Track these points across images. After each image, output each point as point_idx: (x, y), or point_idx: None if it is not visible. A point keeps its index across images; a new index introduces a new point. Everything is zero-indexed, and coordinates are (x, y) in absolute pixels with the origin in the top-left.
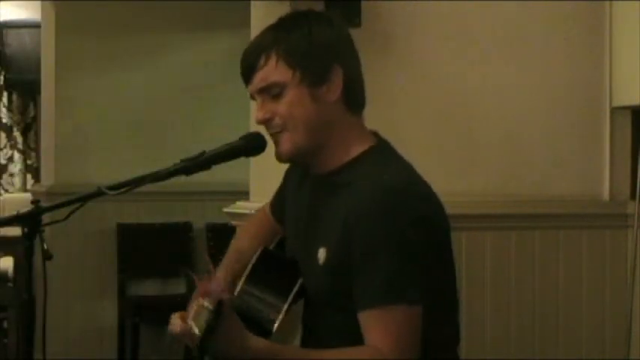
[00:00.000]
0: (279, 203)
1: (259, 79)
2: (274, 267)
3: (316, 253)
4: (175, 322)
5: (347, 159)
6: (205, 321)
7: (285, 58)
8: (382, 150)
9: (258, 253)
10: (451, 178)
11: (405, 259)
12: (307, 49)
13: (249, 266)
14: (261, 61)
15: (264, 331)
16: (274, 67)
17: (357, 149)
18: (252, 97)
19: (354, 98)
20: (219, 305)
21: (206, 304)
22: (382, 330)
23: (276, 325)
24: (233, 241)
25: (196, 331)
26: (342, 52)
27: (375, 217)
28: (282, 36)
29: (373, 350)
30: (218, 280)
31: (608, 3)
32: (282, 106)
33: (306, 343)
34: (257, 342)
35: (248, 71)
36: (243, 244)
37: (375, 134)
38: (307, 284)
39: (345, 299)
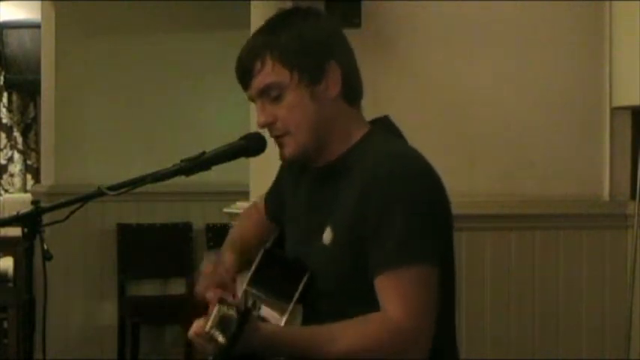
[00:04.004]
0: (275, 200)
1: (258, 83)
2: (277, 268)
3: (322, 236)
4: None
5: (347, 146)
6: (231, 328)
7: (280, 60)
8: (379, 130)
9: (260, 254)
10: (451, 178)
11: (420, 220)
12: (300, 49)
13: (252, 268)
14: (257, 66)
15: None
16: (271, 71)
17: (355, 137)
18: (252, 100)
19: (352, 91)
20: (245, 314)
21: (231, 312)
22: (394, 293)
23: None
24: (232, 232)
25: (220, 338)
26: (335, 46)
27: (392, 179)
28: (274, 39)
29: (382, 316)
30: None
31: (608, 3)
32: (282, 110)
33: None
34: (265, 328)
35: (245, 77)
36: (244, 233)
37: (383, 119)
38: (314, 273)
39: (352, 279)
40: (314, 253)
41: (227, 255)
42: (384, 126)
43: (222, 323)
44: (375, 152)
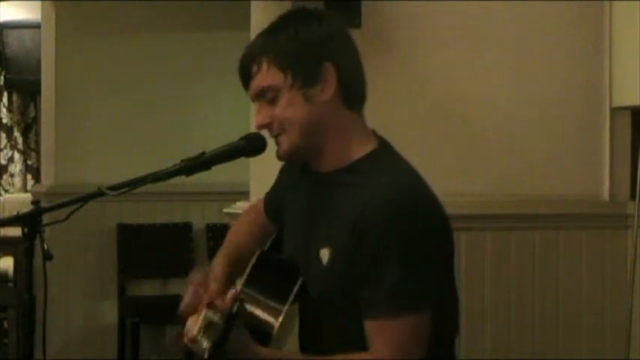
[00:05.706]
0: (274, 202)
1: (255, 85)
2: (272, 269)
3: (318, 253)
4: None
5: (350, 160)
6: (215, 335)
7: (274, 62)
8: (387, 153)
9: (255, 255)
10: (451, 179)
11: (416, 265)
12: (294, 50)
13: (248, 269)
14: (254, 68)
15: (264, 335)
16: (266, 73)
17: (360, 150)
18: (253, 101)
19: (351, 94)
20: (229, 320)
21: (216, 318)
22: (386, 340)
23: (276, 328)
24: (228, 237)
25: (205, 344)
26: (333, 48)
27: (388, 220)
28: (270, 40)
29: (370, 353)
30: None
31: (608, 3)
32: (277, 110)
33: (304, 344)
34: (260, 351)
35: (245, 79)
36: (240, 240)
37: (374, 134)
38: (309, 284)
39: (348, 300)
40: (310, 267)
41: (218, 267)
42: (391, 153)
43: (207, 329)
44: (379, 179)
